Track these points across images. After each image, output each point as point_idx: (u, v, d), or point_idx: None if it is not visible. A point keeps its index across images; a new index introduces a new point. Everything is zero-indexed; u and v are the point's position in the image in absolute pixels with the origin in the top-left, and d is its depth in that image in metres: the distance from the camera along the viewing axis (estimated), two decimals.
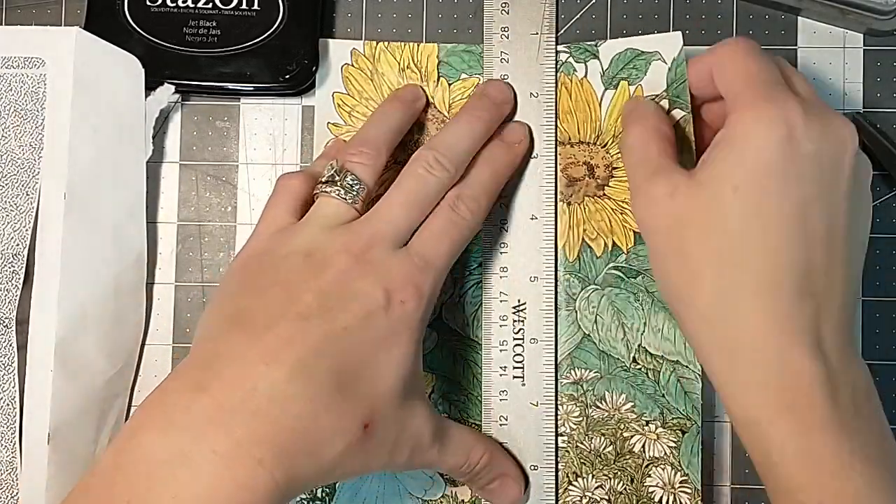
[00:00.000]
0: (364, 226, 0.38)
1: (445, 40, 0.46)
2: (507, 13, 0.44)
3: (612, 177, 0.43)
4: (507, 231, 0.44)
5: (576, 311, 0.44)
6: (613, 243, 0.43)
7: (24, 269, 0.42)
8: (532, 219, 0.44)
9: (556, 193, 0.44)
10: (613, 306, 0.43)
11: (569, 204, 0.44)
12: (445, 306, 0.45)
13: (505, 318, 0.44)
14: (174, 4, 0.45)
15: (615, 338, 0.43)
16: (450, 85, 0.45)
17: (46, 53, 0.42)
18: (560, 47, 0.44)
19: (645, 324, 0.43)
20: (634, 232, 0.43)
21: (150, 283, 0.46)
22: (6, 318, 0.42)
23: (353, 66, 0.45)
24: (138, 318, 0.45)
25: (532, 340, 0.44)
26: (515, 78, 0.44)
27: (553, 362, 0.44)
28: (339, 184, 0.39)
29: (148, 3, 0.45)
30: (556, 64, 0.44)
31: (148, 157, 0.45)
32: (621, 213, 0.43)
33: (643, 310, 0.43)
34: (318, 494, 0.44)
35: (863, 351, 0.44)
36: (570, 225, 0.44)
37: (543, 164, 0.44)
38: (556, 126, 0.44)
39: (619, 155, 0.42)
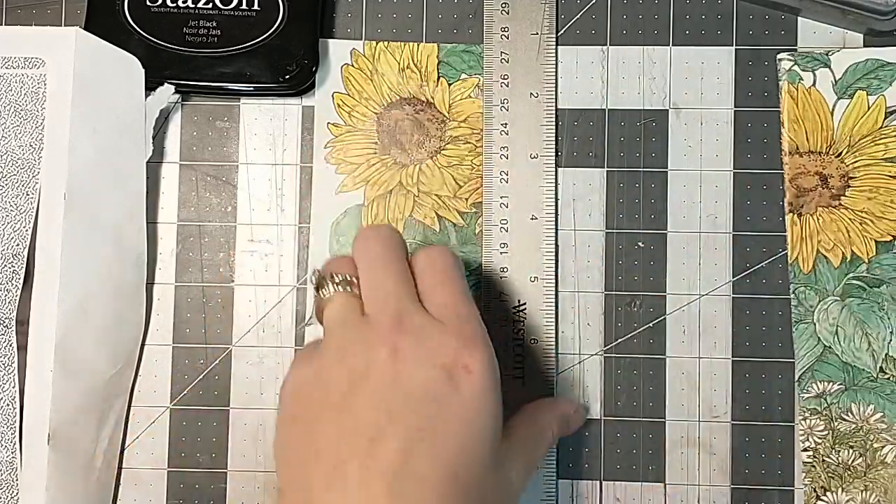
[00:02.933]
0: (376, 311, 0.35)
1: (445, 40, 0.46)
2: (507, 13, 0.44)
3: (849, 186, 0.42)
4: (506, 231, 0.44)
5: (814, 324, 0.43)
6: (853, 253, 0.43)
7: (24, 270, 0.41)
8: (532, 219, 0.44)
9: (556, 193, 0.44)
10: (855, 317, 0.43)
11: (799, 215, 0.43)
12: None
13: (505, 318, 0.44)
14: (174, 4, 0.45)
15: (859, 348, 0.43)
16: (450, 85, 0.45)
17: (46, 53, 0.42)
18: (784, 55, 0.44)
19: (892, 333, 0.43)
20: (875, 241, 0.43)
21: (149, 283, 0.46)
22: (6, 318, 0.41)
23: (353, 66, 0.45)
24: (138, 319, 0.45)
25: (532, 341, 0.44)
26: (515, 78, 0.44)
27: (554, 362, 0.44)
28: (328, 283, 0.36)
29: (148, 3, 0.45)
30: (557, 64, 0.44)
31: (148, 158, 0.45)
32: (860, 223, 0.43)
33: (889, 319, 0.43)
34: None
35: None
36: (802, 236, 0.43)
37: (543, 164, 0.44)
38: (557, 127, 0.44)
39: (856, 164, 0.42)
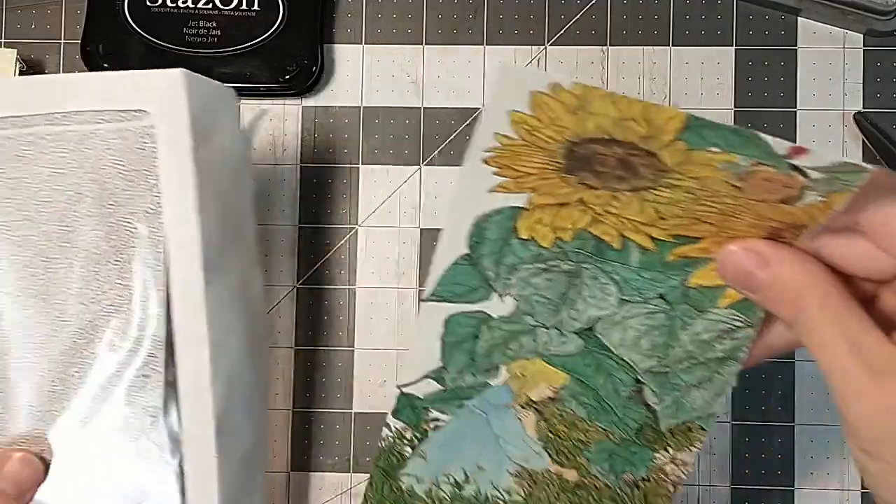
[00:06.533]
0: None
1: (445, 41, 0.46)
2: None
3: None
4: None
5: None
6: None
7: (163, 353, 0.35)
8: None
9: None
10: None
11: None
12: (603, 321, 0.40)
13: None
14: (174, 4, 0.45)
15: None
16: (689, 150, 0.35)
17: (150, 102, 0.34)
18: None
19: None
20: None
21: None
22: (150, 406, 0.35)
23: (549, 96, 0.36)
24: (267, 375, 0.41)
25: None
26: None
27: None
28: None
29: (148, 3, 0.45)
30: None
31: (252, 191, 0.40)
32: None
33: None
34: (408, 436, 0.41)
35: None
36: None
37: None
38: None
39: None
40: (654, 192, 0.37)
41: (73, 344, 0.35)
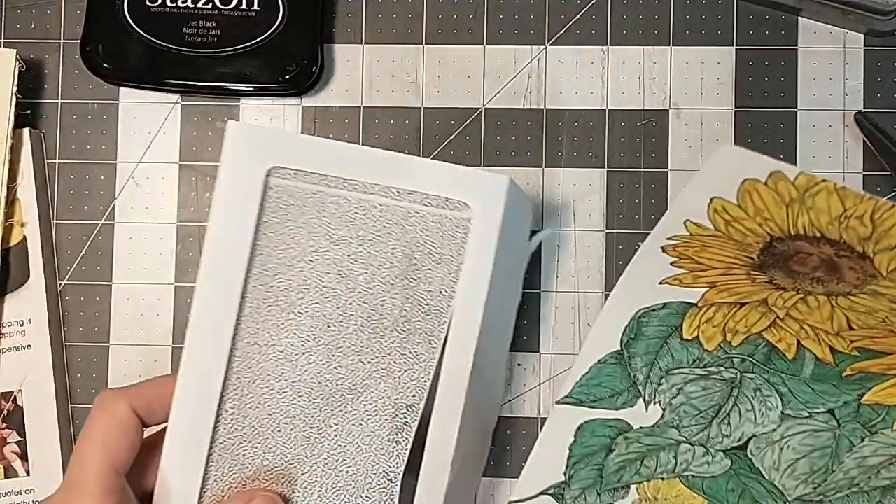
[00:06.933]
0: None
1: (445, 41, 0.46)
2: None
3: None
4: None
5: None
6: None
7: (416, 423, 0.37)
8: None
9: None
10: None
11: None
12: (758, 439, 0.37)
13: None
14: (174, 4, 0.45)
15: None
16: None
17: (474, 198, 0.37)
18: None
19: None
20: None
21: (150, 284, 0.46)
22: (391, 471, 0.37)
23: (764, 184, 0.34)
24: (482, 465, 0.43)
25: None
26: None
27: None
28: None
29: (148, 3, 0.45)
30: None
31: (517, 303, 0.43)
32: None
33: None
34: None
35: None
36: None
37: None
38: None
39: None
40: (852, 298, 0.34)
41: (339, 397, 0.37)
